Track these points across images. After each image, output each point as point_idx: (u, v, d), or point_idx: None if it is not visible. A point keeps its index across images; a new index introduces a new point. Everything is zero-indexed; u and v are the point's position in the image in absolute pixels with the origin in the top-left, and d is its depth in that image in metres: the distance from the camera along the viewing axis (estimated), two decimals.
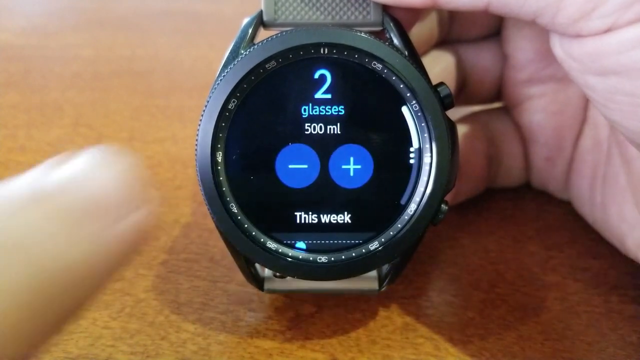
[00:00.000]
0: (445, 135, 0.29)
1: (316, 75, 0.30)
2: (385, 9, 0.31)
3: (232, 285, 0.36)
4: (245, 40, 0.31)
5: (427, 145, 0.30)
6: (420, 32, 0.37)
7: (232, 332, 0.33)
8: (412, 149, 0.30)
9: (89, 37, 0.66)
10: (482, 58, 0.40)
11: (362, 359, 0.32)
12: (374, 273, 0.33)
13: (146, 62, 0.61)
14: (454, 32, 0.40)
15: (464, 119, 0.41)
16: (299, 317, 0.34)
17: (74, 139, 0.49)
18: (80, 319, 0.34)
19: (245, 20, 0.31)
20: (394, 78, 0.30)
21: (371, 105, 0.30)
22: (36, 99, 0.55)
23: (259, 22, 0.31)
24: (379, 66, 0.29)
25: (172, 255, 0.38)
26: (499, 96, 0.42)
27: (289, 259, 0.30)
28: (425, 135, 0.30)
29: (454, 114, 0.41)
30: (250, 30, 0.31)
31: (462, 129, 0.40)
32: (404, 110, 0.30)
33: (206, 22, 0.70)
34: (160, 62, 0.61)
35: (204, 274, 0.37)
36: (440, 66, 0.39)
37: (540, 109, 0.39)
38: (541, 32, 0.36)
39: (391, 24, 0.31)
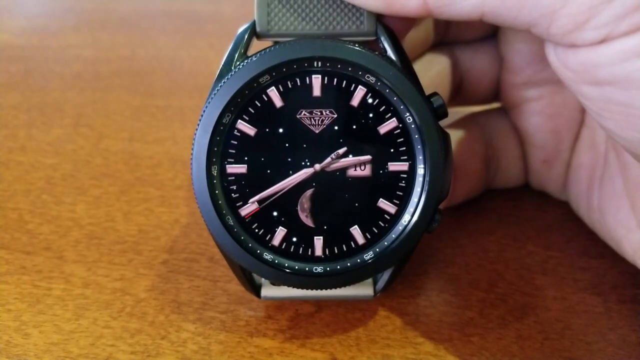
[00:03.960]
0: (438, 146, 0.30)
1: (310, 88, 0.30)
2: (379, 18, 0.31)
3: (232, 284, 0.36)
4: (239, 51, 0.31)
5: (421, 157, 0.30)
6: (416, 35, 0.37)
7: (232, 331, 0.33)
8: (405, 160, 0.31)
9: (90, 38, 0.66)
10: (478, 60, 0.40)
11: (362, 358, 0.32)
12: (369, 279, 0.33)
13: (146, 62, 0.61)
14: (450, 34, 0.40)
15: (462, 121, 0.41)
16: (299, 316, 0.34)
17: (75, 139, 0.49)
18: (81, 318, 0.34)
19: (239, 31, 0.31)
20: (387, 90, 0.30)
21: (365, 118, 0.30)
22: (37, 99, 0.55)
23: (253, 32, 0.31)
24: (372, 79, 0.30)
25: (172, 255, 0.38)
26: (497, 97, 0.42)
27: (286, 270, 0.31)
28: (419, 147, 0.30)
29: (452, 115, 0.41)
30: (243, 41, 0.31)
31: (459, 131, 0.40)
32: (398, 122, 0.30)
33: (206, 22, 0.70)
34: (160, 62, 0.61)
35: (204, 274, 0.37)
36: (436, 68, 0.39)
37: (537, 112, 0.39)
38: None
39: (385, 34, 0.31)
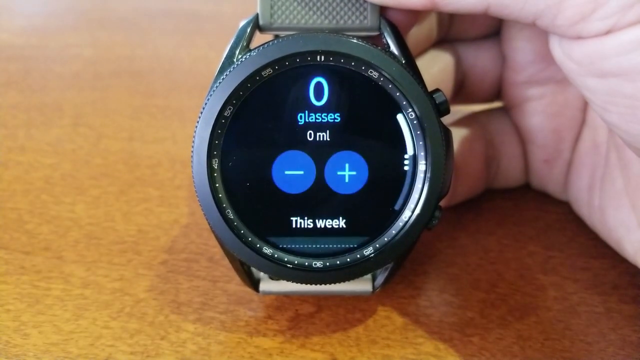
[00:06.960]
0: (440, 143, 0.30)
1: (312, 83, 0.30)
2: (383, 12, 0.31)
3: (232, 285, 0.36)
4: (241, 45, 0.31)
5: (422, 153, 0.30)
6: (419, 31, 0.37)
7: (232, 331, 0.33)
8: (406, 156, 0.30)
9: (89, 37, 0.66)
10: (481, 58, 0.40)
11: (362, 358, 0.32)
12: (368, 275, 0.33)
13: (146, 62, 0.61)
14: (453, 31, 0.40)
15: (463, 120, 0.41)
16: (299, 317, 0.34)
17: (74, 139, 0.49)
18: (80, 318, 0.34)
19: (241, 24, 0.31)
20: (390, 86, 0.30)
21: (367, 113, 0.30)
22: (36, 99, 0.55)
23: (255, 25, 0.31)
24: (375, 74, 0.29)
25: (171, 255, 0.38)
26: (499, 96, 0.42)
27: (285, 264, 0.30)
28: (421, 143, 0.30)
29: (453, 113, 0.41)
30: (246, 34, 0.31)
31: (461, 130, 0.39)
32: (400, 118, 0.30)
33: (206, 22, 0.70)
34: (160, 62, 0.61)
35: (203, 274, 0.37)
36: (438, 65, 0.39)
37: (538, 111, 0.39)
38: (541, 33, 0.35)
39: (388, 29, 0.31)
